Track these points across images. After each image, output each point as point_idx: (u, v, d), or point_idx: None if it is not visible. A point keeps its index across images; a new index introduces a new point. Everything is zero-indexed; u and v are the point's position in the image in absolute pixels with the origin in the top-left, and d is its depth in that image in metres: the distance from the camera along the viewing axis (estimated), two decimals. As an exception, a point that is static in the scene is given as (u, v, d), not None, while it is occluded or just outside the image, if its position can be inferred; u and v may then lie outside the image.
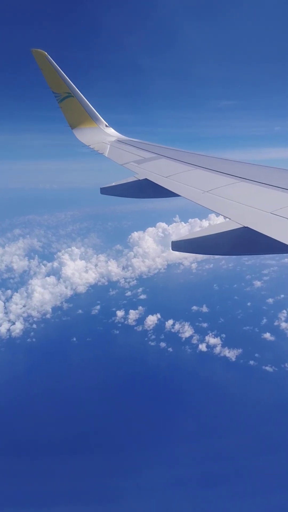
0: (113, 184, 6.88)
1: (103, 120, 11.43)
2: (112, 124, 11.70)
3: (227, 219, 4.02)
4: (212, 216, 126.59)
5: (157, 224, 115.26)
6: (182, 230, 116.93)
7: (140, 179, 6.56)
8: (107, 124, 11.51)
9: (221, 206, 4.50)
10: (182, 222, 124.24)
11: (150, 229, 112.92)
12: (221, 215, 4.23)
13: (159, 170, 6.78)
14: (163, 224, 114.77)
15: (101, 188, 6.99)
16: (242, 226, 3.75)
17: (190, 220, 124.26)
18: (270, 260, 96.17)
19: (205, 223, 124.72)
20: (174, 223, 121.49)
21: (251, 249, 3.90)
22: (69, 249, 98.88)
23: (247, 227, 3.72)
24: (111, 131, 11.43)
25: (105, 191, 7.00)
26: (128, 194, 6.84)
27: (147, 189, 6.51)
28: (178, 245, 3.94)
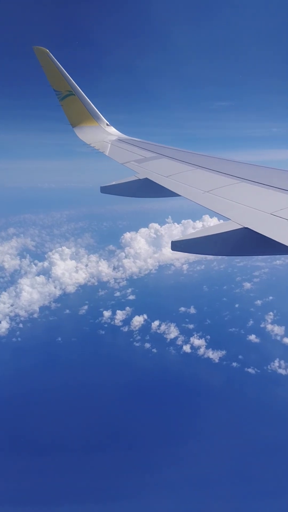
0: (114, 183, 6.83)
1: (104, 119, 11.44)
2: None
3: (224, 220, 4.03)
4: (206, 217, 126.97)
5: (150, 224, 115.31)
6: (175, 231, 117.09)
7: (141, 178, 6.54)
8: (108, 123, 11.51)
9: (221, 207, 4.50)
10: (175, 223, 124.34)
11: (142, 230, 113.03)
12: (221, 215, 4.22)
13: (160, 170, 6.80)
14: (156, 225, 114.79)
15: (101, 187, 6.93)
16: (242, 226, 3.75)
17: (183, 221, 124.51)
18: (260, 262, 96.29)
19: (198, 224, 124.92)
20: (167, 224, 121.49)
21: (251, 250, 3.87)
22: (60, 248, 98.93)
23: (247, 227, 3.72)
24: (112, 130, 11.43)
25: (105, 190, 6.93)
26: (128, 193, 6.77)
27: (147, 188, 6.50)
28: (178, 245, 3.89)
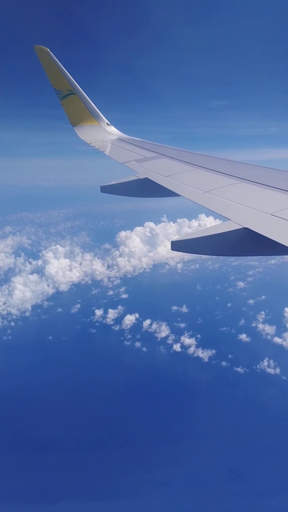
0: (114, 182, 6.86)
1: (104, 118, 11.46)
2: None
3: (224, 220, 4.03)
4: (202, 216, 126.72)
5: (145, 223, 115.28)
6: (170, 230, 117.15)
7: (141, 178, 6.56)
8: (108, 122, 11.54)
9: (221, 207, 4.51)
10: (171, 222, 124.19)
11: (138, 229, 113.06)
12: (221, 215, 4.23)
13: (160, 170, 6.81)
14: (151, 224, 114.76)
15: (101, 186, 6.94)
16: (242, 227, 3.76)
17: (178, 220, 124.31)
18: (254, 261, 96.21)
19: (194, 223, 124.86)
20: (162, 223, 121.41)
21: (251, 250, 3.90)
22: (54, 247, 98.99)
23: (247, 228, 3.73)
24: (112, 129, 11.46)
25: (105, 189, 6.96)
26: (128, 193, 6.81)
27: (147, 188, 6.50)
28: (178, 245, 3.90)
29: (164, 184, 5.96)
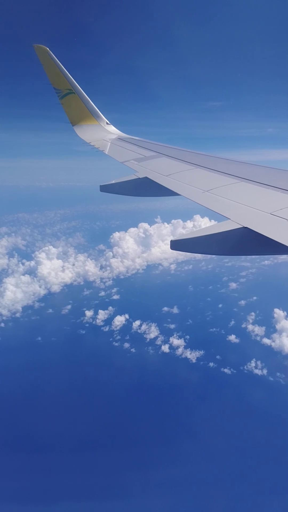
0: (113, 181, 6.85)
1: (104, 117, 11.47)
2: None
3: (224, 220, 4.04)
4: (197, 217, 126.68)
5: (139, 224, 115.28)
6: (164, 231, 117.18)
7: (140, 177, 6.53)
8: (108, 121, 11.53)
9: (220, 206, 4.50)
10: (165, 223, 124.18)
11: (132, 230, 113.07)
12: (221, 214, 4.23)
13: (159, 169, 6.80)
14: (145, 225, 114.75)
15: (100, 186, 6.91)
16: (241, 226, 3.76)
17: (172, 221, 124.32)
18: (247, 262, 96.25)
19: (189, 224, 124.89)
20: (156, 224, 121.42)
21: (250, 250, 3.88)
22: (46, 248, 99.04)
23: (246, 227, 3.73)
24: (112, 128, 11.44)
25: (105, 188, 6.95)
26: (127, 192, 6.78)
27: (147, 187, 6.49)
28: (177, 244, 3.88)
29: (164, 183, 5.95)
